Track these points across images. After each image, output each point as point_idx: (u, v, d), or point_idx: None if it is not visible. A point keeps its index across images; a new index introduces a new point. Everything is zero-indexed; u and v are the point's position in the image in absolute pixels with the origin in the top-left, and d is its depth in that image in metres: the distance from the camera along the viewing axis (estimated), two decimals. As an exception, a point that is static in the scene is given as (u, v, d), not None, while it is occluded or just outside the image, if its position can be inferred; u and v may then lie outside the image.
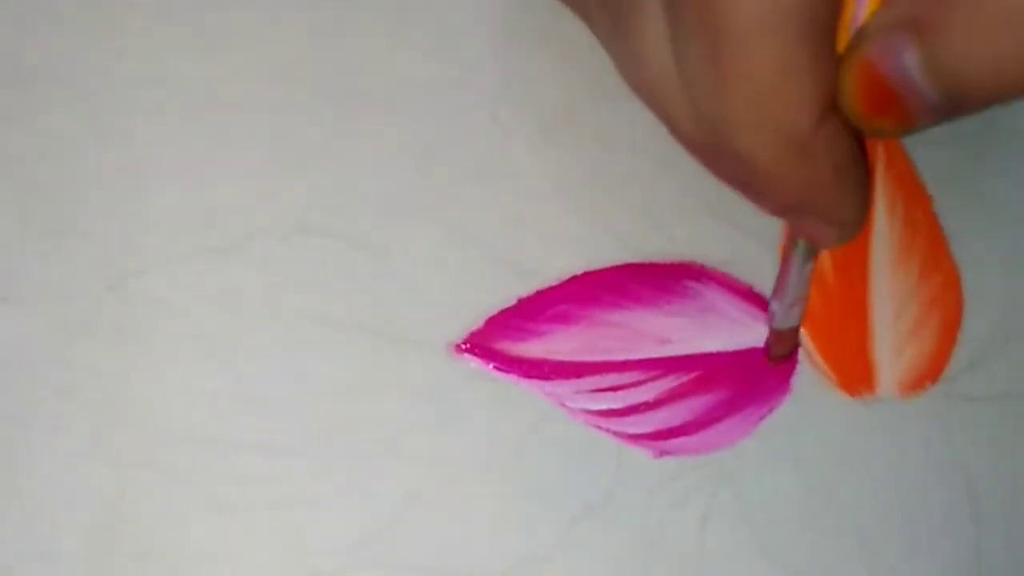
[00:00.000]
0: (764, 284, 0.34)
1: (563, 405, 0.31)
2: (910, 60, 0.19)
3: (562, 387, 0.32)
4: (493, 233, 0.31)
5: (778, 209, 0.24)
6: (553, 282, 0.32)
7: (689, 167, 0.33)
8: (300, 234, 0.31)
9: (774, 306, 0.31)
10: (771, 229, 0.34)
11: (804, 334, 0.34)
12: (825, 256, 0.34)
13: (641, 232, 0.33)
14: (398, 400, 0.30)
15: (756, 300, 0.34)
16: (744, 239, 0.34)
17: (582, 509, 0.31)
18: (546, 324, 0.32)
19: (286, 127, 0.31)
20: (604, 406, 0.32)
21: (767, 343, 0.33)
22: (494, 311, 0.32)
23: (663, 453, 0.32)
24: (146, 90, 0.31)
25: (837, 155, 0.22)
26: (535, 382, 0.31)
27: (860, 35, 0.21)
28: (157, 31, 0.31)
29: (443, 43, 0.32)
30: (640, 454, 0.32)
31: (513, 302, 0.32)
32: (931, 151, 0.35)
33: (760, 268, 0.34)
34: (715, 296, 0.33)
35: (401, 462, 0.30)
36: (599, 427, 0.32)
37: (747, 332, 0.33)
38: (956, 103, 0.20)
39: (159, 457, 0.29)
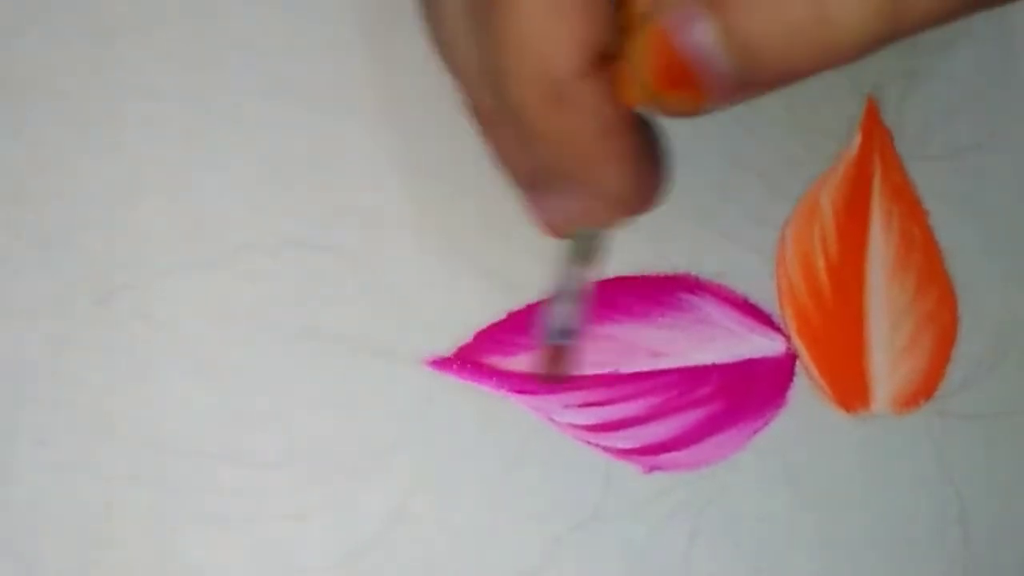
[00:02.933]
0: (760, 296, 0.34)
1: (551, 419, 0.31)
2: (704, 31, 0.19)
3: (550, 401, 0.31)
4: (483, 247, 0.31)
5: (548, 173, 0.23)
6: (543, 296, 0.32)
7: (682, 179, 0.33)
8: (289, 248, 0.31)
9: (549, 317, 0.28)
10: (767, 240, 0.34)
11: (802, 347, 0.33)
12: (821, 267, 0.34)
13: (633, 245, 0.33)
14: (386, 414, 0.30)
15: (752, 312, 0.33)
16: (739, 251, 0.33)
17: (570, 525, 0.31)
18: (536, 338, 0.32)
19: (276, 141, 0.31)
20: (593, 420, 0.32)
21: (539, 359, 0.28)
22: (484, 325, 0.31)
23: (653, 468, 0.32)
24: (137, 103, 0.30)
25: (604, 114, 0.21)
26: (524, 396, 0.31)
27: (654, 6, 0.20)
28: (148, 44, 0.31)
29: (432, 56, 0.31)
30: (629, 469, 0.32)
31: (503, 316, 0.32)
32: (928, 165, 0.35)
33: (756, 280, 0.34)
34: (710, 308, 0.33)
35: (388, 477, 0.30)
36: (588, 442, 0.31)
37: (742, 344, 0.33)
38: (749, 77, 0.19)
39: (146, 470, 0.29)
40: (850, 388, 0.33)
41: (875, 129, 0.35)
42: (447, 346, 0.31)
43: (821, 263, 0.34)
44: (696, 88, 0.20)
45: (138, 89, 0.30)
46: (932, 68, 0.35)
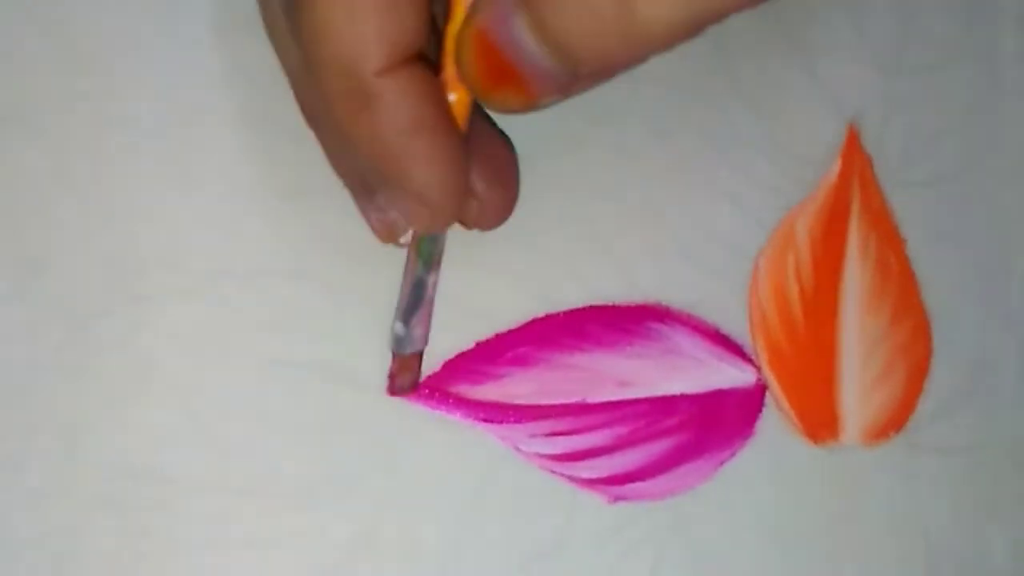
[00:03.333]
0: (731, 326, 0.34)
1: (517, 449, 0.32)
2: (519, 27, 0.19)
3: (517, 430, 0.32)
4: (452, 276, 0.31)
5: (368, 175, 0.24)
6: (512, 325, 0.32)
7: (653, 206, 0.33)
8: (263, 276, 0.31)
9: (395, 326, 0.29)
10: (739, 271, 0.34)
11: (772, 377, 0.33)
12: (795, 297, 0.34)
13: (604, 274, 0.33)
14: (353, 443, 0.31)
15: (723, 342, 0.33)
16: (711, 281, 0.33)
17: (532, 555, 0.31)
18: (504, 367, 0.32)
19: (250, 170, 0.31)
20: (559, 450, 0.32)
21: (390, 370, 0.31)
22: (451, 355, 0.32)
23: (618, 498, 0.32)
24: (113, 132, 0.31)
25: (411, 113, 0.22)
26: (490, 426, 0.32)
27: (474, 5, 0.20)
28: (125, 73, 0.31)
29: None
30: (594, 499, 0.32)
31: (471, 346, 0.32)
32: (907, 192, 0.34)
33: (728, 310, 0.34)
34: (679, 338, 0.33)
35: (354, 505, 0.31)
36: (553, 471, 0.32)
37: (712, 374, 0.33)
38: (573, 71, 0.19)
39: (115, 496, 0.30)
40: (819, 419, 0.33)
41: (855, 156, 0.35)
42: (415, 375, 0.31)
43: (795, 293, 0.34)
44: (522, 84, 0.20)
45: (114, 118, 0.31)
46: (915, 93, 0.35)
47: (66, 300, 0.30)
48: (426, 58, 0.23)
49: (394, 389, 0.31)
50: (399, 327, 0.29)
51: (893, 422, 0.33)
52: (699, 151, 0.34)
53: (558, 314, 0.32)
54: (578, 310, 0.33)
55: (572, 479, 0.32)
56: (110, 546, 0.30)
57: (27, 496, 0.29)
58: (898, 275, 0.34)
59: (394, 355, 0.30)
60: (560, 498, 0.32)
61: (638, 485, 0.32)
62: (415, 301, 0.29)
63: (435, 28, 0.24)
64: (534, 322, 0.32)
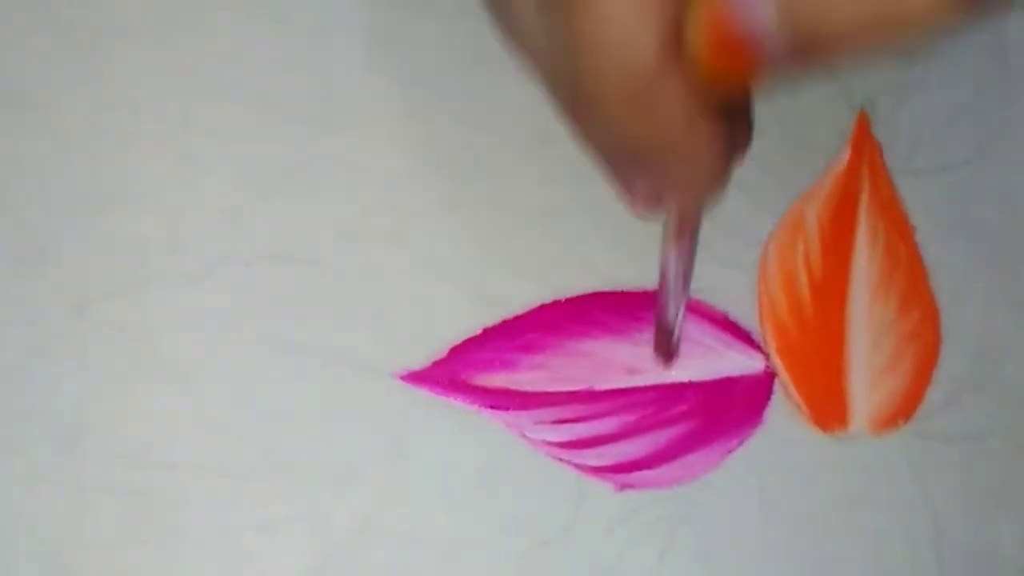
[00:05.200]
0: (741, 312, 0.33)
1: (524, 436, 0.31)
2: (763, 6, 0.19)
3: (524, 417, 0.31)
4: (461, 261, 0.31)
5: (635, 158, 0.24)
6: (520, 311, 0.32)
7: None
8: (266, 260, 0.31)
9: (662, 298, 0.30)
10: (749, 257, 0.33)
11: (781, 365, 0.33)
12: (804, 285, 0.34)
13: (613, 261, 0.32)
14: (357, 427, 0.30)
15: (732, 329, 0.33)
16: (720, 268, 0.33)
17: (539, 542, 0.31)
18: (511, 354, 0.32)
19: (254, 153, 0.31)
20: (567, 437, 0.32)
21: (655, 340, 0.32)
22: (459, 341, 0.31)
23: (625, 486, 0.32)
24: (116, 115, 0.30)
25: (689, 100, 0.21)
26: (497, 412, 0.31)
27: None
28: (128, 57, 0.30)
29: (413, 70, 0.31)
30: (601, 486, 0.32)
31: (479, 332, 0.31)
32: (917, 180, 0.34)
33: (737, 296, 0.33)
34: (689, 325, 0.33)
35: (358, 490, 0.30)
36: (560, 458, 0.31)
37: (720, 362, 0.33)
38: (806, 51, 0.19)
39: (118, 480, 0.29)
40: (828, 407, 0.33)
41: (865, 143, 0.34)
42: (422, 361, 0.31)
43: (804, 280, 0.34)
44: (751, 62, 0.20)
45: (117, 101, 0.30)
46: (925, 80, 0.35)
47: (67, 284, 0.30)
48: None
49: (660, 358, 0.32)
50: (662, 301, 0.29)
51: (902, 410, 0.33)
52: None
53: (566, 301, 0.32)
54: (586, 296, 0.32)
55: (579, 467, 0.32)
56: (111, 531, 0.29)
57: (28, 480, 0.29)
58: (907, 263, 0.34)
59: (658, 327, 0.30)
60: (567, 485, 0.31)
61: (646, 473, 0.32)
62: (673, 275, 0.28)
63: None
64: (542, 308, 0.32)
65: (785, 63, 0.20)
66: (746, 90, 0.22)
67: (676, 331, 0.31)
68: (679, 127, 0.22)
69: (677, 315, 0.30)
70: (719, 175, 0.23)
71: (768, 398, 0.33)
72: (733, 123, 0.24)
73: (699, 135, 0.22)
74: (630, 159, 0.24)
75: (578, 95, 0.23)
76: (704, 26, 0.20)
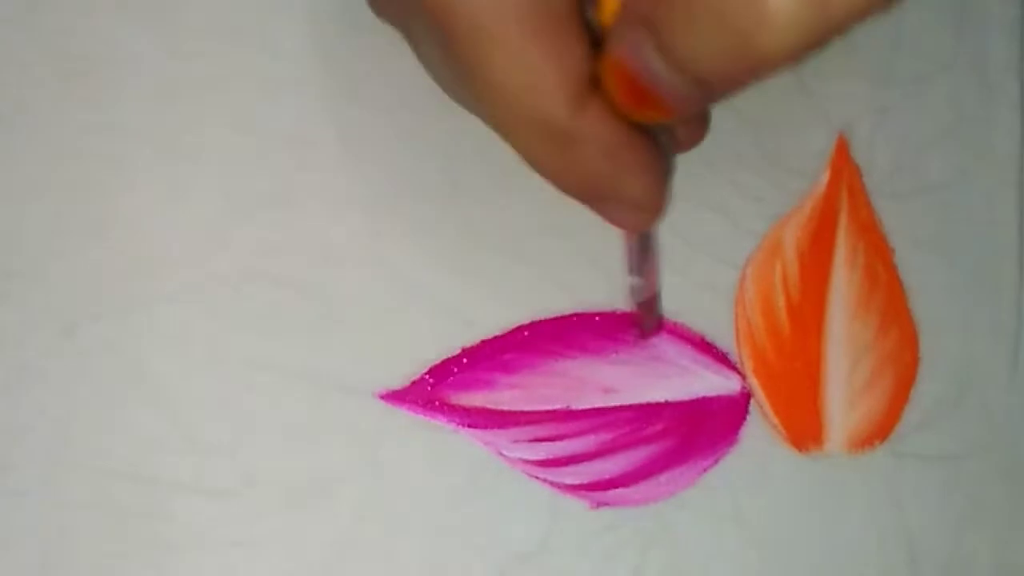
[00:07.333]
0: (718, 334, 0.34)
1: (501, 454, 0.32)
2: (650, 56, 0.20)
3: (500, 436, 0.32)
4: (440, 283, 0.32)
5: (577, 198, 0.24)
6: (498, 332, 0.32)
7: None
8: (249, 282, 0.31)
9: (630, 280, 0.30)
10: (726, 280, 0.34)
11: (757, 385, 0.34)
12: (781, 307, 0.34)
13: (590, 282, 0.33)
14: (337, 446, 0.31)
15: (708, 350, 0.34)
16: (697, 290, 0.34)
17: (514, 559, 0.31)
18: (489, 373, 0.32)
19: (238, 176, 0.32)
20: (543, 455, 0.32)
21: (634, 320, 0.33)
22: (437, 360, 0.32)
23: (601, 504, 0.32)
24: (102, 138, 0.31)
25: (606, 137, 0.22)
26: (475, 431, 0.32)
27: (611, 36, 0.21)
28: (113, 81, 0.31)
29: (395, 96, 0.32)
30: (576, 504, 0.32)
31: (457, 351, 0.32)
32: (896, 203, 0.35)
33: (714, 318, 0.34)
34: (665, 345, 0.33)
35: (337, 507, 0.31)
36: (536, 476, 0.32)
37: (696, 382, 0.33)
38: (707, 89, 0.20)
39: (101, 497, 0.30)
40: (804, 427, 0.33)
41: (844, 166, 0.35)
42: (401, 381, 0.32)
43: (782, 302, 0.34)
44: (662, 105, 0.21)
45: (102, 125, 0.31)
46: (905, 104, 0.35)
47: (54, 304, 0.31)
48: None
49: (644, 334, 0.32)
50: (634, 280, 0.30)
51: (878, 431, 0.34)
52: (687, 161, 0.34)
53: (544, 321, 0.33)
54: (564, 317, 0.33)
55: (555, 484, 0.32)
56: (96, 546, 0.30)
57: (14, 497, 0.30)
58: (886, 285, 0.34)
59: (637, 305, 0.31)
60: (543, 503, 0.32)
61: (621, 491, 0.32)
62: (643, 255, 0.29)
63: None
64: (519, 329, 0.33)
65: (691, 101, 0.20)
66: (668, 121, 0.22)
67: (642, 297, 0.31)
68: (607, 162, 0.22)
69: (640, 285, 0.31)
70: (656, 197, 0.24)
71: (744, 418, 0.33)
72: (670, 133, 0.24)
73: (626, 167, 0.22)
74: (567, 195, 0.24)
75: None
76: (610, 76, 0.21)
